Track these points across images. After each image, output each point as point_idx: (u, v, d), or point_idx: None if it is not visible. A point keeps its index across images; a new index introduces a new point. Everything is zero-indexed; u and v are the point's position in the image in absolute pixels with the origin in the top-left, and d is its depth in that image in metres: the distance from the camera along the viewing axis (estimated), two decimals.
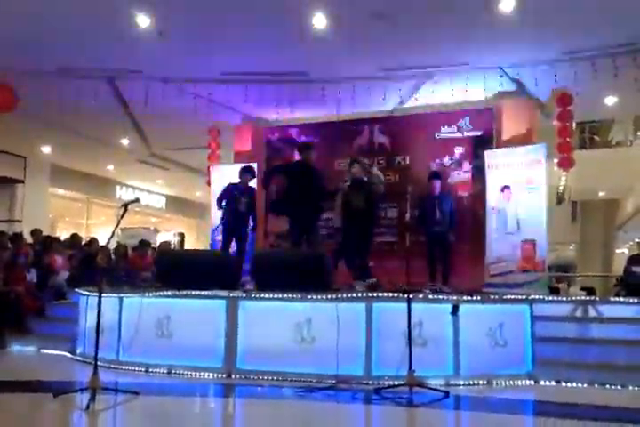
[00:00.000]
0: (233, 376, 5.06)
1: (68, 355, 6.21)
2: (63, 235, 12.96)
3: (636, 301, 5.76)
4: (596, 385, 4.86)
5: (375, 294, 5.06)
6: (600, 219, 16.69)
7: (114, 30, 7.13)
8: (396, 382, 4.42)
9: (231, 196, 7.81)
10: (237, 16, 6.80)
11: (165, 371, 5.24)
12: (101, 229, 16.35)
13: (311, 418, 3.98)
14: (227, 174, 9.69)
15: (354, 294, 5.13)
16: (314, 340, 4.96)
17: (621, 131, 15.39)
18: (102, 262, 8.42)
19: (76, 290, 6.55)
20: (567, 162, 8.41)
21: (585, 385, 4.88)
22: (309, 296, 5.10)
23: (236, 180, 8.05)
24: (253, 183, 8.29)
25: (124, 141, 11.94)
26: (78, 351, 6.08)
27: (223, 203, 7.89)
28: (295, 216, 6.74)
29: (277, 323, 5.09)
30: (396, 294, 4.93)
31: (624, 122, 14.21)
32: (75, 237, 10.29)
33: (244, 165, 8.31)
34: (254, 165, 8.82)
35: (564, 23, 6.76)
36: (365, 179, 6.93)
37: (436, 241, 7.52)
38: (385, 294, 5.03)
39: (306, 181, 6.69)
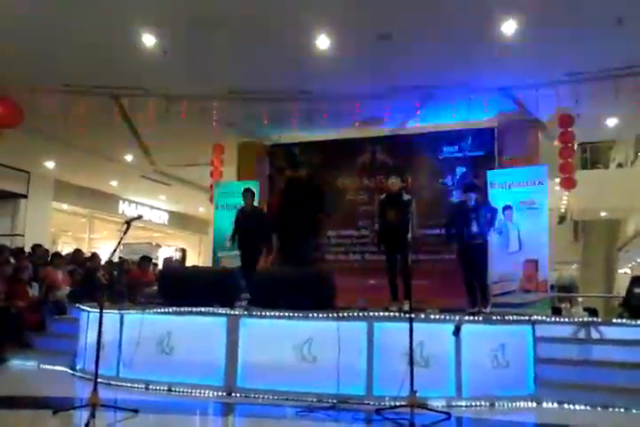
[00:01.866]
0: (233, 395, 5.03)
1: (68, 371, 6.18)
2: (65, 249, 12.97)
3: (639, 323, 5.73)
4: (599, 408, 4.81)
5: (376, 314, 5.04)
6: (602, 239, 16.66)
7: (119, 47, 7.23)
8: (398, 403, 4.38)
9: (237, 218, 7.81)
10: (241, 34, 6.89)
11: (165, 388, 5.21)
12: (103, 244, 16.36)
13: None
14: (229, 191, 9.76)
15: (355, 313, 5.12)
16: (315, 359, 4.94)
17: (623, 151, 15.45)
18: (103, 278, 8.41)
19: (77, 305, 6.54)
20: (569, 182, 8.45)
21: (588, 407, 4.84)
22: (310, 315, 5.09)
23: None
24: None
25: (128, 157, 12.01)
26: (78, 367, 6.05)
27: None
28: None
29: (278, 341, 5.07)
30: (397, 314, 4.92)
31: (625, 142, 14.28)
32: (76, 252, 10.30)
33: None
34: (257, 183, 8.91)
35: (564, 45, 6.85)
36: (403, 193, 6.61)
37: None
38: (386, 314, 5.02)
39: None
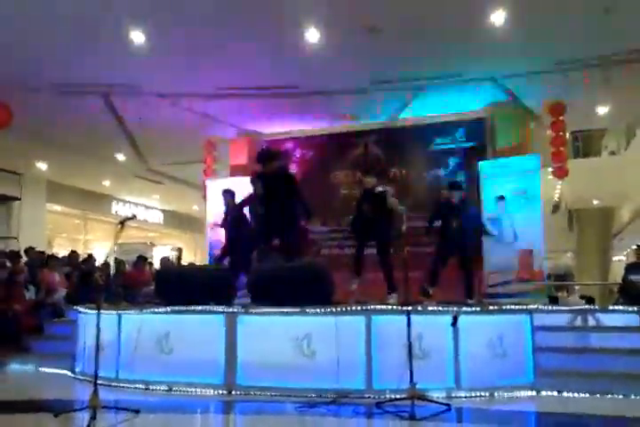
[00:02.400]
0: (233, 392, 5.03)
1: (68, 373, 6.16)
2: (61, 251, 12.93)
3: (635, 309, 5.77)
4: (598, 395, 4.85)
5: (374, 307, 5.05)
6: (596, 227, 16.72)
7: (108, 46, 7.19)
8: (398, 396, 4.39)
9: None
10: (231, 31, 6.87)
11: (165, 388, 5.21)
12: (98, 245, 16.32)
13: None
14: (223, 188, 9.73)
15: (353, 308, 5.12)
16: (314, 354, 4.94)
17: (614, 139, 15.49)
18: (100, 279, 8.39)
19: (75, 307, 6.53)
20: (562, 171, 8.48)
21: (587, 395, 4.87)
22: (308, 310, 5.09)
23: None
24: None
25: (120, 157, 11.96)
26: (77, 369, 6.04)
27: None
28: None
29: (277, 338, 5.07)
30: (395, 307, 4.93)
31: (617, 130, 14.31)
32: (72, 254, 10.27)
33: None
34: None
35: (554, 34, 6.85)
36: (381, 189, 6.86)
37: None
38: (384, 307, 5.03)
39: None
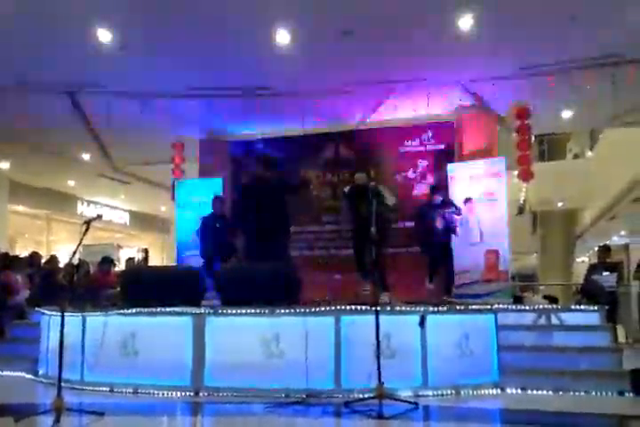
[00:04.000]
0: (201, 394, 4.98)
1: (30, 376, 6.02)
2: (23, 253, 12.60)
3: (595, 308, 5.92)
4: (561, 392, 4.96)
5: (343, 307, 5.07)
6: (560, 229, 17.12)
7: (74, 44, 7.05)
8: (366, 395, 4.42)
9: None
10: (201, 30, 6.82)
11: (131, 391, 5.13)
12: (63, 247, 15.97)
13: None
14: (191, 189, 9.66)
15: (322, 308, 5.13)
16: (283, 354, 4.94)
17: (578, 143, 15.88)
18: (64, 281, 8.21)
19: (37, 309, 6.38)
20: (527, 174, 8.64)
21: (550, 392, 4.98)
22: (277, 311, 5.08)
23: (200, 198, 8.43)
24: None
25: (85, 156, 11.73)
26: (40, 373, 5.91)
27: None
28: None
29: (245, 338, 5.04)
30: (363, 307, 4.95)
31: (581, 134, 14.67)
32: (34, 255, 10.02)
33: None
34: (220, 180, 8.89)
35: (520, 39, 6.99)
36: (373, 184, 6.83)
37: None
38: (353, 307, 5.05)
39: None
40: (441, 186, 8.15)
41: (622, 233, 16.29)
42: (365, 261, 6.73)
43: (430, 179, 9.12)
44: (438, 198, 7.60)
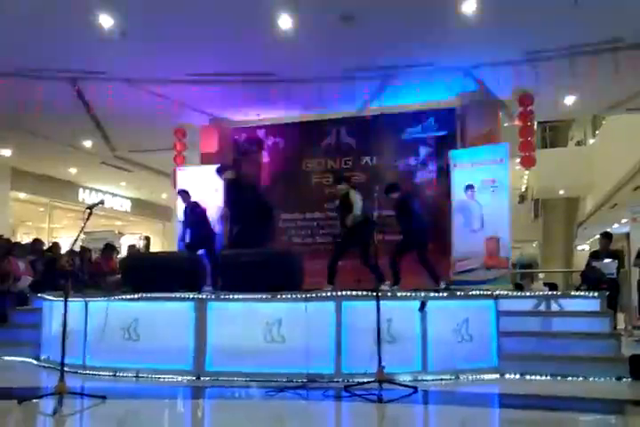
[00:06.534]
0: (202, 378, 5.03)
1: (33, 361, 6.08)
2: (25, 240, 12.65)
3: (595, 295, 5.93)
4: (559, 377, 5.01)
5: (344, 293, 5.09)
6: (561, 216, 17.08)
7: (75, 30, 6.99)
8: (366, 380, 4.46)
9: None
10: (203, 16, 6.75)
11: (133, 375, 5.18)
12: (64, 234, 16.02)
13: (281, 418, 3.99)
14: (193, 176, 9.65)
15: (323, 294, 5.16)
16: (284, 339, 4.97)
17: (580, 130, 15.82)
18: (67, 267, 8.25)
19: (40, 295, 6.42)
20: (529, 161, 8.61)
21: (548, 378, 5.02)
22: (278, 296, 5.11)
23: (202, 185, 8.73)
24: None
25: (87, 143, 11.70)
26: (43, 357, 5.97)
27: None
28: None
29: (247, 324, 5.08)
30: (364, 293, 4.98)
31: (583, 121, 14.61)
32: (36, 241, 10.05)
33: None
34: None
35: (524, 24, 6.92)
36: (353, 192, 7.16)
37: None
38: (354, 293, 5.07)
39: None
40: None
41: (623, 221, 16.27)
42: (337, 264, 7.12)
43: (432, 166, 9.10)
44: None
